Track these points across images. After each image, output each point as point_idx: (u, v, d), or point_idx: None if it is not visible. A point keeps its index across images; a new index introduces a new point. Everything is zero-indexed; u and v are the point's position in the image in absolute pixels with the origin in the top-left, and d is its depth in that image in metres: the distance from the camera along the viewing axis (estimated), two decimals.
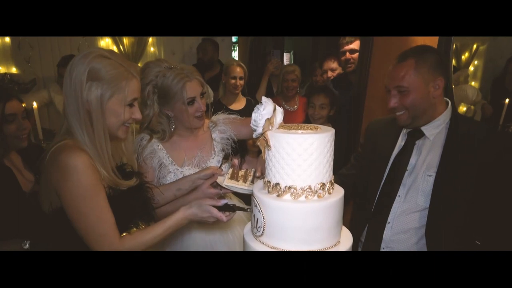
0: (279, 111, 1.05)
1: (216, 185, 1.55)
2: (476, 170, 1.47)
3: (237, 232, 1.88)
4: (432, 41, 2.04)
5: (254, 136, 1.09)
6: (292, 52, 7.42)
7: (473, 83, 2.65)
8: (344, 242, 1.14)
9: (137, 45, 4.41)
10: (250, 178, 1.50)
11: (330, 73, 3.49)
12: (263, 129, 1.02)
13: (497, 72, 2.65)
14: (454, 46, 2.11)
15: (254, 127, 1.05)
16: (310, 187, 1.04)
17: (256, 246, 1.09)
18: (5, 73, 4.00)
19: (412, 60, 1.53)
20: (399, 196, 1.62)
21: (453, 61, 2.28)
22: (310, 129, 1.07)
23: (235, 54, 5.83)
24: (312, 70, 3.99)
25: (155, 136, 1.75)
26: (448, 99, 1.67)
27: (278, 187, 1.06)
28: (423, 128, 1.61)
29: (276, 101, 3.57)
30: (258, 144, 1.08)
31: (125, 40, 4.36)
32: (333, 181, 1.12)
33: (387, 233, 1.63)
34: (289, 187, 1.04)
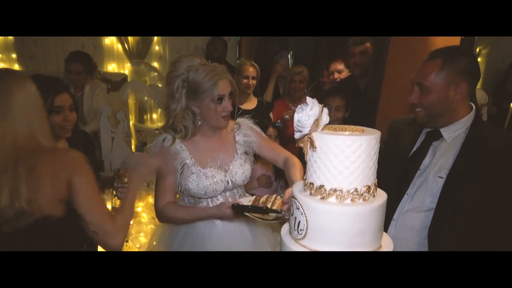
0: (325, 112, 1.02)
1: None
2: (489, 177, 1.45)
3: (259, 236, 1.84)
4: (454, 42, 2.02)
5: (296, 137, 1.06)
6: (292, 52, 7.35)
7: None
8: (386, 246, 1.11)
9: (142, 43, 4.36)
10: (270, 205, 1.48)
11: (336, 75, 3.46)
12: (309, 130, 1.00)
13: (499, 76, 2.66)
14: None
15: (299, 128, 1.02)
16: (356, 190, 1.01)
17: (297, 249, 1.06)
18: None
19: (439, 60, 1.51)
20: (407, 194, 1.62)
21: None
22: (357, 130, 1.05)
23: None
24: (319, 71, 3.96)
25: (177, 136, 1.73)
26: (473, 104, 1.64)
27: (323, 190, 1.03)
28: (442, 130, 1.59)
29: (283, 102, 3.56)
30: (301, 145, 1.05)
31: (130, 38, 4.30)
32: (376, 184, 1.10)
33: (391, 230, 1.62)
34: (335, 190, 1.02)
